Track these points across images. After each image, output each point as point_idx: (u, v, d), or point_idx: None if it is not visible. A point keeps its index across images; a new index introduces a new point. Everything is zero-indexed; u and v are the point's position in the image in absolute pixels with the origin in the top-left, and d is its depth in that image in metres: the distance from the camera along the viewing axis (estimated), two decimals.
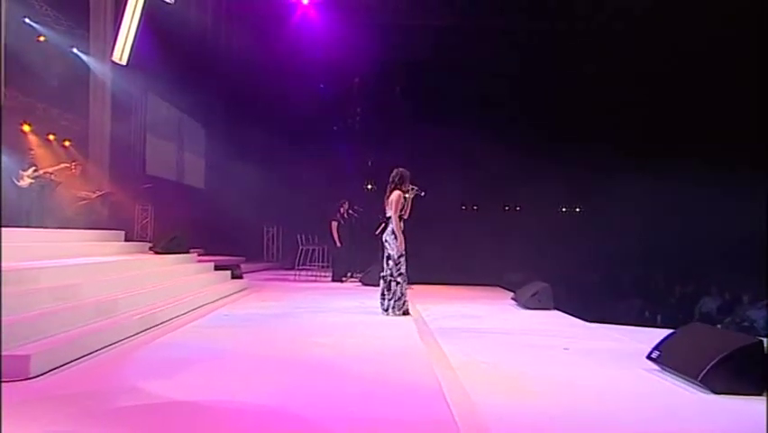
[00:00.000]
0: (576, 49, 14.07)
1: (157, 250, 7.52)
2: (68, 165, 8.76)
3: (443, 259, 15.48)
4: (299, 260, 9.60)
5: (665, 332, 4.67)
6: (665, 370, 4.05)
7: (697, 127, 12.08)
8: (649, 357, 4.20)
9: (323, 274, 9.78)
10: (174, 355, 4.06)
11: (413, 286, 10.34)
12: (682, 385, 3.71)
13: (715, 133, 11.67)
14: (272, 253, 12.36)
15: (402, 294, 5.86)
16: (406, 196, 5.86)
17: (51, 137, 9.62)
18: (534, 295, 7.12)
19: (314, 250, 9.80)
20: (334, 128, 14.83)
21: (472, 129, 14.72)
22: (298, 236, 9.62)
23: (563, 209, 19.42)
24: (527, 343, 5.18)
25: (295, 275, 9.67)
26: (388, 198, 5.82)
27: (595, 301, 11.27)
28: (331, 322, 5.59)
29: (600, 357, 4.60)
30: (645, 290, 12.19)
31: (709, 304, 9.87)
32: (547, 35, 13.70)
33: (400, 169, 5.89)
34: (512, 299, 7.74)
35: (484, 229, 15.49)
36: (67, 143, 10.04)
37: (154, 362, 3.88)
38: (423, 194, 5.90)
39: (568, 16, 13.51)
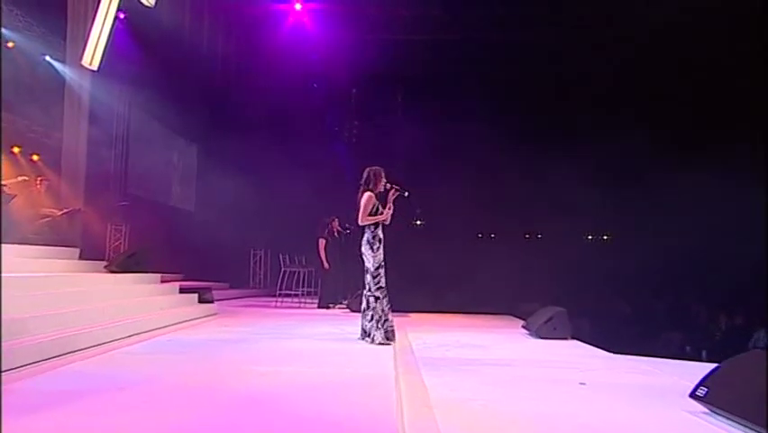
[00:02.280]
0: (591, 61, 13.49)
1: (112, 268, 6.83)
2: (26, 178, 8.25)
3: (454, 289, 14.59)
4: (281, 283, 8.75)
5: (708, 366, 3.77)
6: (716, 412, 3.19)
7: (739, 134, 11.08)
8: (693, 395, 3.38)
9: (308, 301, 8.89)
10: (66, 387, 3.28)
11: (410, 314, 9.47)
12: None
13: (761, 138, 10.64)
14: (259, 279, 11.61)
15: (384, 311, 5.00)
16: (388, 197, 5.10)
17: (16, 149, 9.19)
18: (547, 321, 6.17)
19: (299, 272, 8.96)
20: (332, 132, 14.24)
21: (488, 152, 14.13)
22: (280, 256, 8.81)
23: (589, 237, 18.51)
24: (534, 376, 4.30)
25: (276, 301, 8.82)
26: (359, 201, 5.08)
27: (626, 335, 10.22)
28: (292, 349, 4.76)
29: (628, 394, 3.68)
30: (685, 322, 10.99)
31: (766, 338, 8.66)
32: (561, 46, 13.09)
33: (373, 167, 5.16)
34: (522, 327, 6.79)
35: (502, 258, 14.59)
36: (35, 157, 9.60)
37: (32, 395, 3.11)
38: (406, 194, 5.13)
39: (583, 27, 12.93)
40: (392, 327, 5.07)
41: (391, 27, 12.33)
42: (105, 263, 7.13)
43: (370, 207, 5.02)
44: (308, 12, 11.48)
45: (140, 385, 3.34)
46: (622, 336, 9.94)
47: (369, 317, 5.06)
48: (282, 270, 8.77)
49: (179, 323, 6.26)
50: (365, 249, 5.09)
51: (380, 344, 4.93)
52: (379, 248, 5.05)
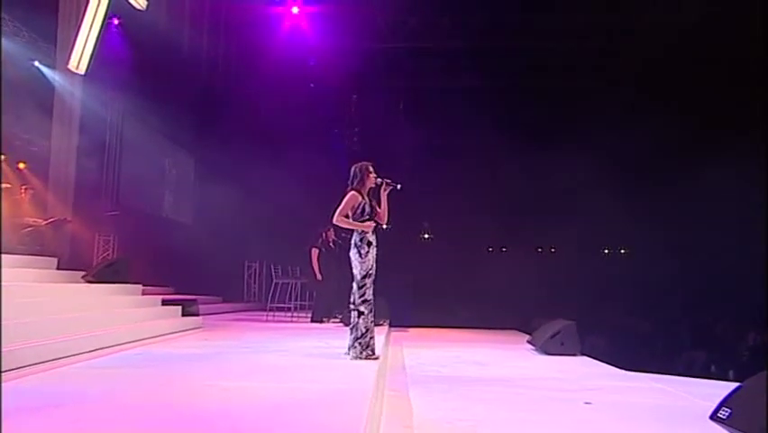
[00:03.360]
0: (610, 69, 13.20)
1: (89, 279, 6.60)
2: (8, 186, 8.10)
3: (464, 304, 14.18)
4: (272, 296, 8.43)
5: (731, 385, 3.39)
6: None
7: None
8: (714, 417, 3.05)
9: (301, 314, 8.55)
10: None
11: (408, 329, 9.11)
12: None
13: None
14: (254, 292, 11.32)
15: (367, 329, 4.62)
16: (381, 193, 4.78)
17: (2, 157, 9.09)
18: (554, 336, 5.78)
19: (294, 284, 8.63)
20: (331, 139, 14.03)
21: (497, 162, 13.85)
22: (272, 267, 8.51)
23: (606, 251, 18.04)
24: (534, 395, 3.94)
25: (267, 315, 8.50)
26: None
27: (645, 354, 9.77)
28: (267, 364, 4.45)
29: (639, 416, 3.32)
30: (710, 340, 10.46)
31: None
32: (563, 48, 12.82)
33: (359, 163, 4.82)
34: (528, 342, 6.39)
35: (513, 272, 14.21)
36: (22, 165, 9.50)
37: None
38: (399, 187, 4.79)
39: (603, 33, 12.64)
40: (373, 345, 4.67)
41: (394, 32, 12.15)
42: (82, 274, 6.90)
43: (353, 204, 4.66)
44: (306, 15, 11.33)
45: (82, 402, 3.04)
46: (641, 354, 9.49)
47: (351, 333, 4.69)
48: (274, 282, 8.47)
49: (157, 336, 5.98)
50: (352, 254, 4.71)
51: (366, 358, 4.58)
52: (368, 253, 4.64)
